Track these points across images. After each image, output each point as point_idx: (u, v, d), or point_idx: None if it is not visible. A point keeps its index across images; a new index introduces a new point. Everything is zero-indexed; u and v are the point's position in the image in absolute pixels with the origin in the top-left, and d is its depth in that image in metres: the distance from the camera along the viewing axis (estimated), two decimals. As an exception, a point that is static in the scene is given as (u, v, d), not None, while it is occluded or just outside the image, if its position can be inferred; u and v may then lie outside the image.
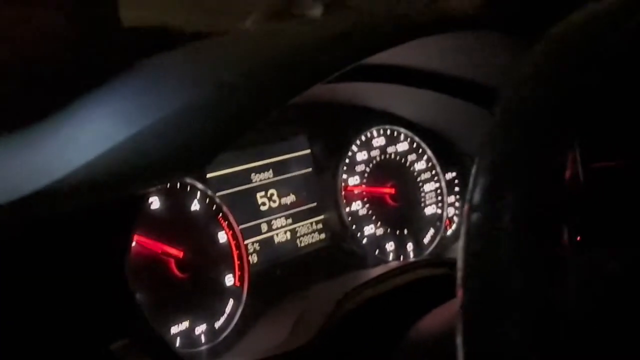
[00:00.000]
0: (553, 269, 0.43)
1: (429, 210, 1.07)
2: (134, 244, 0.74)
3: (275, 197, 0.93)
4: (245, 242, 0.87)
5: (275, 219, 0.92)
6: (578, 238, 0.83)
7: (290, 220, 0.94)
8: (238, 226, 0.86)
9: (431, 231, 1.06)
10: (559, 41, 0.50)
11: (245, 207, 0.89)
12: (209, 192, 0.83)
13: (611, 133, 0.81)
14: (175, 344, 0.76)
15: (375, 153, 1.02)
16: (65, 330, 0.57)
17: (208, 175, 0.84)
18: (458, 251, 0.43)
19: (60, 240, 0.57)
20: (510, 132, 0.45)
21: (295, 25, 0.76)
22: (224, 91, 0.60)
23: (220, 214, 0.84)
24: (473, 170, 0.45)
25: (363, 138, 1.01)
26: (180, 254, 0.78)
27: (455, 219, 1.10)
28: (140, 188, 0.61)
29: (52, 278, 0.56)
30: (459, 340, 0.42)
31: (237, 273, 0.84)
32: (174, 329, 0.76)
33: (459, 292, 0.42)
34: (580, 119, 0.47)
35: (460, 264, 0.43)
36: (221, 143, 0.59)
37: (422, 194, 1.07)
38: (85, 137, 0.61)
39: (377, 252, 1.00)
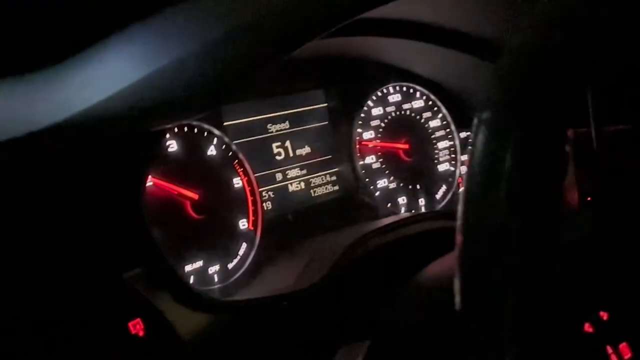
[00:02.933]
0: (550, 213, 0.45)
1: (442, 167, 1.09)
2: (151, 184, 0.77)
3: (290, 148, 0.95)
4: (260, 189, 0.90)
5: (290, 169, 0.95)
6: (588, 198, 0.84)
7: (304, 171, 0.97)
8: (253, 174, 0.89)
9: (443, 187, 1.08)
10: None
11: (261, 156, 0.92)
12: (226, 139, 0.86)
13: (624, 97, 0.83)
14: (189, 281, 0.79)
15: (390, 109, 1.04)
16: (81, 255, 0.60)
17: (225, 123, 0.87)
18: (460, 197, 0.45)
19: (77, 171, 0.60)
20: (517, 79, 0.47)
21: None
22: (234, 35, 0.62)
23: (236, 161, 0.87)
24: (482, 107, 0.46)
25: (379, 94, 1.03)
26: (196, 197, 0.81)
27: (469, 177, 1.11)
28: (155, 125, 0.64)
29: (69, 206, 0.60)
30: (456, 284, 0.44)
31: (251, 218, 0.87)
32: (188, 267, 0.80)
33: (458, 237, 0.44)
34: (584, 73, 0.49)
35: (460, 209, 0.44)
36: (231, 84, 0.62)
37: (436, 151, 1.09)
38: (103, 76, 0.64)
39: (389, 204, 1.02)
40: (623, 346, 0.57)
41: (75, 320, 0.60)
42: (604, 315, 0.56)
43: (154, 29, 0.72)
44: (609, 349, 0.57)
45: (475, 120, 0.46)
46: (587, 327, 0.55)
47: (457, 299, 0.44)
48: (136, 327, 0.62)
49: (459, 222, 0.45)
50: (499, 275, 0.43)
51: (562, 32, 0.48)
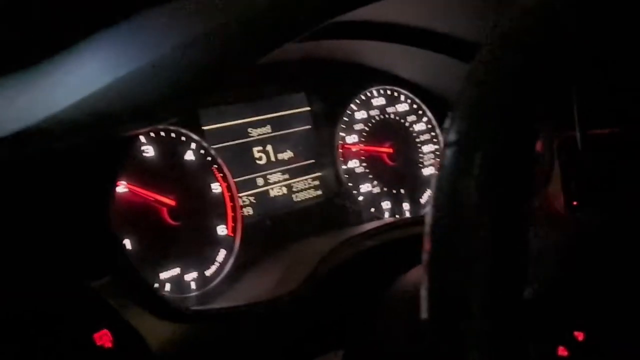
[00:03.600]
0: (520, 214, 0.44)
1: (427, 171, 1.08)
2: (126, 190, 0.76)
3: (272, 152, 0.94)
4: (240, 194, 0.88)
5: (272, 173, 0.94)
6: (575, 203, 0.83)
7: (287, 176, 0.95)
8: (233, 179, 0.87)
9: (428, 191, 1.07)
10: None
11: (242, 160, 0.91)
12: (204, 144, 0.85)
13: (608, 100, 0.82)
14: (165, 289, 0.78)
15: (374, 112, 1.03)
16: (46, 263, 0.59)
17: (205, 128, 0.86)
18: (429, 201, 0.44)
19: (45, 177, 0.59)
20: (488, 78, 0.46)
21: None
22: (206, 39, 0.61)
23: (215, 166, 0.86)
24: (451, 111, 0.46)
25: (363, 97, 1.02)
26: (173, 203, 0.80)
27: (454, 181, 1.10)
28: (126, 130, 0.63)
29: (35, 213, 0.59)
30: (422, 291, 0.43)
31: (231, 224, 0.86)
32: (164, 275, 0.78)
33: (426, 243, 0.43)
34: (554, 70, 0.48)
35: (428, 214, 0.43)
36: (202, 88, 0.61)
37: (421, 155, 1.07)
38: (73, 80, 0.63)
39: (372, 209, 1.01)
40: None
41: (38, 330, 0.59)
42: (579, 336, 0.53)
43: (125, 33, 0.72)
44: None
45: (446, 123, 0.45)
46: (562, 351, 0.53)
47: (423, 308, 0.43)
48: (102, 338, 0.61)
49: (427, 228, 0.44)
50: (466, 285, 0.42)
51: (537, 33, 0.47)
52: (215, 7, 0.71)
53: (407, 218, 1.03)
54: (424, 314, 0.43)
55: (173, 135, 0.82)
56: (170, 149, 0.82)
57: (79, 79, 0.64)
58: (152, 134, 0.80)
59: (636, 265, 0.65)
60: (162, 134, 0.81)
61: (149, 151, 0.80)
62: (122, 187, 0.75)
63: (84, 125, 0.58)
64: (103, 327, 0.61)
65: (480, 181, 0.42)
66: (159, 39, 0.66)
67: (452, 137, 0.44)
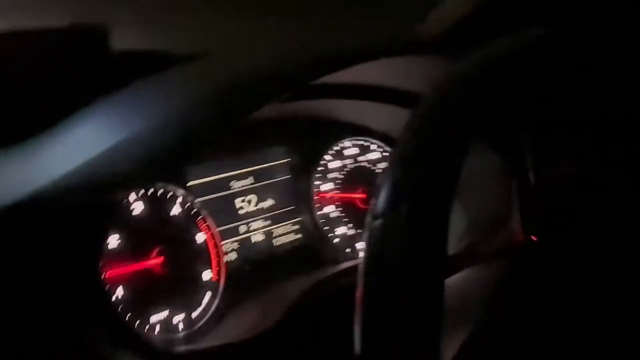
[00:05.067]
0: (442, 272, 0.53)
1: (399, 213, 1.17)
2: (117, 244, 0.85)
3: (254, 202, 1.04)
4: (223, 242, 0.98)
5: (254, 221, 1.04)
6: (534, 238, 0.92)
7: (269, 222, 1.05)
8: (216, 228, 0.97)
9: (400, 232, 1.16)
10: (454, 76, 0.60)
11: (225, 211, 1.01)
12: (189, 198, 0.95)
13: (560, 141, 0.90)
14: (155, 330, 0.87)
15: (347, 161, 1.13)
16: (44, 319, 0.67)
17: (189, 184, 0.96)
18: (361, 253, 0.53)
19: (38, 242, 0.67)
20: (407, 155, 0.56)
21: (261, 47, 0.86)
22: (194, 107, 0.71)
23: (200, 218, 0.96)
24: (377, 186, 0.55)
25: (337, 148, 1.12)
26: (160, 261, 0.89)
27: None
28: (119, 193, 0.72)
29: (29, 277, 0.65)
30: (356, 327, 0.52)
31: (215, 269, 0.96)
32: (154, 318, 0.88)
33: (358, 289, 0.53)
34: (468, 140, 0.57)
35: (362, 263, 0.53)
36: (185, 155, 0.70)
37: (392, 198, 1.16)
38: (66, 151, 0.72)
39: (348, 250, 1.10)
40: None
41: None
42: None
43: (119, 104, 0.81)
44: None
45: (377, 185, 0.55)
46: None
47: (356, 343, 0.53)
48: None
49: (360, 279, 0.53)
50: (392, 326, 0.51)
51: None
52: (200, 77, 0.81)
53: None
54: (357, 349, 0.53)
55: (161, 191, 0.92)
56: (158, 205, 0.92)
57: (70, 150, 0.73)
58: (140, 192, 0.90)
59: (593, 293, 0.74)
60: (150, 190, 0.91)
61: (138, 207, 0.89)
62: (114, 242, 0.85)
63: (79, 193, 0.67)
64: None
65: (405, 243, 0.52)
66: (150, 109, 0.75)
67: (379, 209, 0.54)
